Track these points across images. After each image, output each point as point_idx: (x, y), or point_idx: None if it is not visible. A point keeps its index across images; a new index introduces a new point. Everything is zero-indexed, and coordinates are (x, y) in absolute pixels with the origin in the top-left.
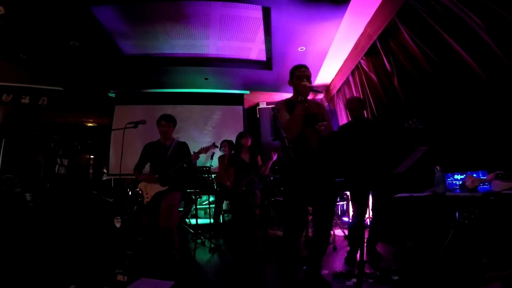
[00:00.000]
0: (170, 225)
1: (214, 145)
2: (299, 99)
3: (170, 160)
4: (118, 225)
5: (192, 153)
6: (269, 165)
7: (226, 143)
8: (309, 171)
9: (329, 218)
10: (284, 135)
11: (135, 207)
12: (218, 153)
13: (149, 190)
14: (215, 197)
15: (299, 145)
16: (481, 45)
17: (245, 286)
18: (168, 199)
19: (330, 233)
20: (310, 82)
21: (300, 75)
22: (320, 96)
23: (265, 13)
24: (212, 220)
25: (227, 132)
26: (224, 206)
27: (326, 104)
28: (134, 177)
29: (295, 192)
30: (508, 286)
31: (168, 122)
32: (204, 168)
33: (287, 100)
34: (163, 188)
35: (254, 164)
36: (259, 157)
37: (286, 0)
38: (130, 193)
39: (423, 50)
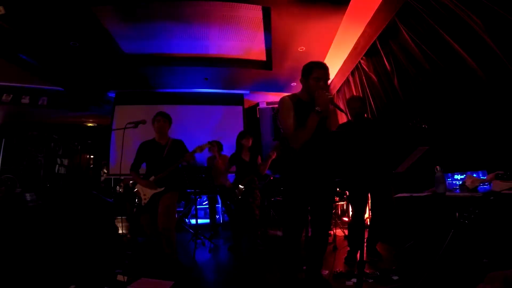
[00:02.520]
0: (168, 226)
1: (209, 143)
2: (316, 109)
3: (166, 160)
4: (119, 225)
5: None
6: (268, 164)
7: (214, 143)
8: (309, 171)
9: (328, 217)
10: (284, 135)
11: (134, 208)
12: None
13: (146, 191)
14: (210, 198)
15: (302, 150)
16: (481, 45)
17: (245, 286)
18: (165, 200)
19: (329, 232)
20: (327, 87)
21: (319, 78)
22: None
23: (265, 13)
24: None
25: (227, 132)
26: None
27: None
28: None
29: (294, 192)
30: (507, 286)
31: (165, 118)
32: (204, 168)
33: (294, 96)
34: (160, 189)
35: (254, 164)
36: (259, 157)
37: (286, 0)
38: (128, 193)
39: (423, 50)
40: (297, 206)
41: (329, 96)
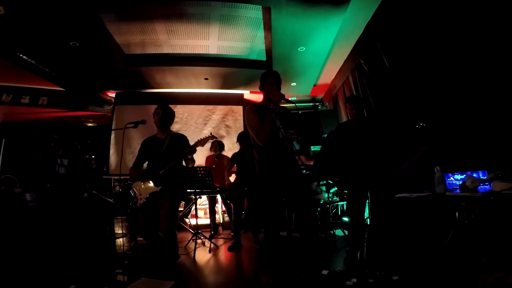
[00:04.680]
0: (170, 230)
1: (211, 136)
2: (270, 106)
3: (164, 155)
4: (118, 225)
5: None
6: None
7: (217, 143)
8: (278, 173)
9: (308, 216)
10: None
11: (129, 209)
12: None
13: (143, 191)
14: (210, 197)
15: (269, 150)
16: (481, 44)
17: (245, 286)
18: (166, 204)
19: (315, 232)
20: (279, 89)
21: (272, 82)
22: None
23: (265, 13)
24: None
25: (227, 132)
26: (224, 206)
27: (326, 103)
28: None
29: (266, 193)
30: None
31: (163, 109)
32: (204, 168)
33: (257, 104)
34: (157, 189)
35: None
36: None
37: (286, 0)
38: (124, 193)
39: (424, 49)
40: (268, 204)
41: (280, 94)
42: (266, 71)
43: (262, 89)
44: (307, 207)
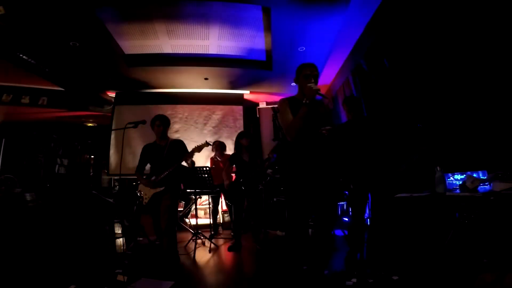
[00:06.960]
0: (170, 226)
1: (207, 143)
2: (304, 101)
3: (166, 160)
4: (118, 225)
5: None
6: (266, 165)
7: (217, 143)
8: (309, 170)
9: (330, 215)
10: (283, 132)
11: (135, 207)
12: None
13: (147, 191)
14: (213, 197)
15: (300, 145)
16: (481, 44)
17: (245, 286)
18: (166, 200)
19: (330, 232)
20: (317, 82)
21: (308, 75)
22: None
23: (265, 13)
24: (211, 220)
25: (227, 132)
26: (224, 206)
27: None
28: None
29: (296, 191)
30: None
31: (162, 121)
32: (204, 168)
33: (291, 98)
34: (160, 189)
35: (253, 164)
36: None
37: (286, 0)
38: (127, 192)
39: (424, 49)
40: (297, 202)
41: (314, 88)
42: (303, 63)
43: (297, 82)
44: (330, 206)
